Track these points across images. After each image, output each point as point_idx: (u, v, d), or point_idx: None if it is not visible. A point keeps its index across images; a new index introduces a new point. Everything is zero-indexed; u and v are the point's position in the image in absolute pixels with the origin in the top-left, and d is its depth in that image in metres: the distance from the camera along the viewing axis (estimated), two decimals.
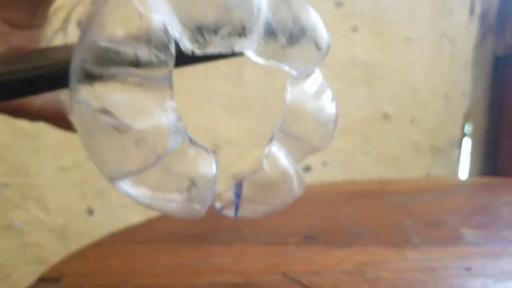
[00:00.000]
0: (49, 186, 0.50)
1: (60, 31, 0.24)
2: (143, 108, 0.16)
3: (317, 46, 0.20)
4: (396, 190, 0.53)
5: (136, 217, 0.54)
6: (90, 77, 0.15)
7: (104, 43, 0.15)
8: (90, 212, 0.54)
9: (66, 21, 0.24)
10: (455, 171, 0.91)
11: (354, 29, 0.69)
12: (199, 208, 0.18)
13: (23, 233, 0.50)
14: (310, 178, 0.68)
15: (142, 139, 0.16)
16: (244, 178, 0.19)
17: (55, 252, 0.49)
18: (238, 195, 0.20)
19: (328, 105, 0.22)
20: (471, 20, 0.94)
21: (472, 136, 0.95)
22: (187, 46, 0.17)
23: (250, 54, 0.18)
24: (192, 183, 0.18)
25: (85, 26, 0.16)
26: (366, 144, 0.74)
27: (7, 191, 0.49)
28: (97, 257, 0.37)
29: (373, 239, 0.37)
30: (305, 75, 0.21)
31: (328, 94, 0.22)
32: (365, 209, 0.46)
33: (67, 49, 0.20)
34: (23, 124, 0.49)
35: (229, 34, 0.17)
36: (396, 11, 0.74)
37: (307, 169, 0.68)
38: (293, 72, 0.20)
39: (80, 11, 0.23)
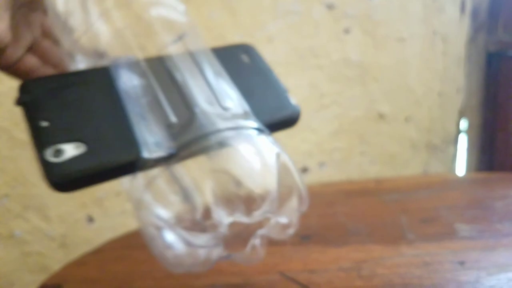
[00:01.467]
0: (49, 196, 0.51)
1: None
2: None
3: None
4: (392, 188, 0.53)
5: (135, 223, 0.54)
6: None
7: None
8: (90, 220, 0.54)
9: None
10: (451, 168, 0.92)
11: (346, 31, 0.70)
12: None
13: (24, 243, 0.50)
14: (308, 179, 0.68)
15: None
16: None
17: (56, 260, 0.50)
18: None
19: None
20: (463, 17, 0.95)
21: (468, 132, 0.96)
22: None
23: None
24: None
25: None
26: (362, 144, 0.75)
27: (7, 201, 0.49)
28: (97, 263, 0.37)
29: (369, 237, 0.37)
30: None
31: None
32: (361, 207, 0.46)
33: None
34: (22, 135, 0.49)
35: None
36: (388, 11, 0.75)
37: (304, 170, 0.69)
38: None
39: None
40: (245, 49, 0.31)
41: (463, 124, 0.95)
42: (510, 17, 0.94)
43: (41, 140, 0.22)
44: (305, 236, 0.38)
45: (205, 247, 0.25)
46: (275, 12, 0.59)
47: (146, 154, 0.23)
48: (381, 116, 0.77)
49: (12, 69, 0.27)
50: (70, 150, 0.22)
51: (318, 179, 0.70)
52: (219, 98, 0.26)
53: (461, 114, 0.93)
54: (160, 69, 0.26)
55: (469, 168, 0.98)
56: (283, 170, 0.26)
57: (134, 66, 0.25)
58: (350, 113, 0.71)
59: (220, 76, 0.28)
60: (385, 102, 0.77)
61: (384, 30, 0.72)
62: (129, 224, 0.55)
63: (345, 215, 0.44)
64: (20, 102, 0.23)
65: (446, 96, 0.87)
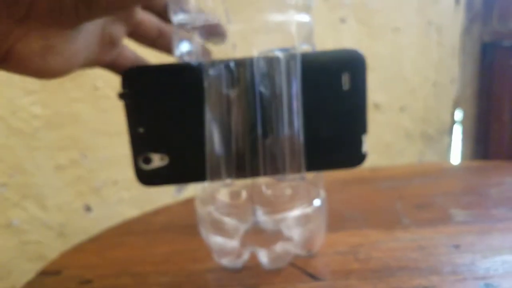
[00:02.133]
0: (47, 185, 0.51)
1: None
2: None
3: None
4: (387, 176, 0.54)
5: (133, 212, 0.55)
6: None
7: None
8: (88, 209, 0.54)
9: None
10: (446, 158, 0.93)
11: (342, 20, 0.70)
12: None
13: (22, 232, 0.50)
14: None
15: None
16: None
17: (54, 249, 0.50)
18: None
19: None
20: (457, 8, 0.95)
21: (462, 122, 0.97)
22: None
23: None
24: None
25: None
26: None
27: (5, 190, 0.49)
28: (96, 250, 0.37)
29: (365, 222, 0.38)
30: None
31: None
32: (357, 194, 0.47)
33: None
34: (19, 123, 0.49)
35: None
36: (383, 0, 0.75)
37: None
38: None
39: None
40: (351, 64, 0.25)
41: (458, 114, 0.96)
42: (504, 7, 0.95)
43: (136, 146, 0.25)
44: None
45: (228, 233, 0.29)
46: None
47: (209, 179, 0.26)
48: (376, 106, 0.77)
49: (111, 67, 0.28)
50: (156, 160, 0.25)
51: None
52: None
53: (456, 104, 0.94)
54: (249, 79, 0.25)
55: (464, 158, 0.99)
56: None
57: (228, 70, 0.25)
58: None
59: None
60: (380, 92, 0.77)
61: (379, 20, 0.72)
62: (126, 213, 0.55)
63: (341, 202, 0.44)
64: (121, 97, 0.25)
65: (440, 86, 0.87)
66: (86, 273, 0.33)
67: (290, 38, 0.25)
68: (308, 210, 0.29)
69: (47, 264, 0.35)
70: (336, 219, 0.39)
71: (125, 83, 0.24)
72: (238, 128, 0.25)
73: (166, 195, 0.57)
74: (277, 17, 0.25)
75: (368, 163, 0.77)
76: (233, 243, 0.29)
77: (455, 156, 0.95)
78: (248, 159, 0.25)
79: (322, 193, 0.31)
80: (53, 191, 0.51)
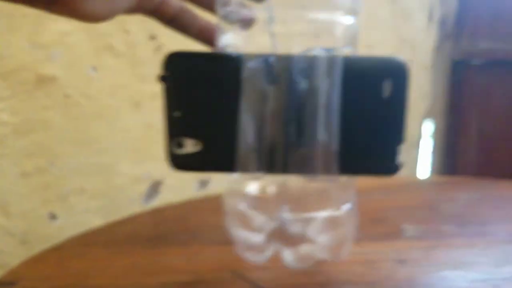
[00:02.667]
0: (10, 192, 0.50)
1: None
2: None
3: None
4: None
5: (99, 221, 0.55)
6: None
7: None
8: (53, 217, 0.54)
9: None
10: (414, 171, 0.95)
11: (316, 35, 0.72)
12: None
13: None
14: None
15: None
16: None
17: (17, 257, 0.50)
18: None
19: None
20: (430, 26, 0.98)
21: (433, 136, 1.00)
22: None
23: None
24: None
25: None
26: None
27: None
28: (56, 260, 0.38)
29: None
30: None
31: None
32: None
33: None
34: None
35: None
36: (357, 18, 0.77)
37: None
38: None
39: None
40: (393, 72, 0.25)
41: (428, 128, 0.98)
42: (475, 27, 0.98)
43: (171, 129, 0.26)
44: None
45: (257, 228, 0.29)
46: None
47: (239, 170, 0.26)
48: None
49: (154, 14, 0.27)
50: (189, 146, 0.26)
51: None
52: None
53: (425, 119, 0.96)
54: (290, 79, 0.25)
55: (434, 171, 1.02)
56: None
57: (267, 64, 0.24)
58: None
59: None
60: None
61: None
62: (92, 222, 0.55)
63: None
64: (161, 79, 0.25)
65: (411, 102, 0.90)
66: (41, 285, 0.33)
67: (333, 39, 0.26)
68: (336, 213, 0.28)
69: (4, 273, 0.35)
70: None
71: (167, 66, 0.25)
72: (273, 123, 0.25)
73: (134, 205, 0.57)
74: (323, 16, 0.25)
75: None
76: (258, 238, 0.30)
77: (425, 170, 0.98)
78: (279, 156, 0.25)
79: (353, 198, 0.30)
80: (17, 198, 0.51)
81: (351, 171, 0.27)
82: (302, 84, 0.25)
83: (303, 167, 0.26)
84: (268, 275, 0.32)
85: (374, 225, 0.41)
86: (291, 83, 0.24)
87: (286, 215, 0.29)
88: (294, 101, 0.25)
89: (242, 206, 0.29)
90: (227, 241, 0.39)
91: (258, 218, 0.29)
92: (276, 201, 0.29)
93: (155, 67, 0.27)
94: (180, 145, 0.26)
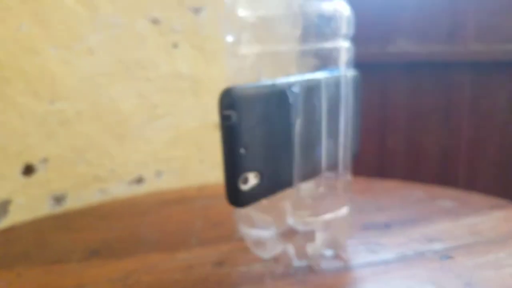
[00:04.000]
0: None
1: None
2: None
3: None
4: (211, 194, 0.57)
5: None
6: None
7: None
8: None
9: None
10: None
11: (175, 45, 0.73)
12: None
13: None
14: (144, 189, 0.69)
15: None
16: None
17: None
18: None
19: None
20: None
21: None
22: None
23: None
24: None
25: None
26: (201, 152, 0.79)
27: None
28: None
29: (155, 245, 0.40)
30: None
31: None
32: (169, 215, 0.49)
33: None
34: None
35: None
36: (214, 26, 0.79)
37: (139, 180, 0.70)
38: None
39: None
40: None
41: None
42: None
43: (237, 167, 0.25)
44: (94, 250, 0.39)
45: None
46: (95, 24, 0.59)
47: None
48: (217, 126, 0.81)
49: None
50: (252, 179, 0.26)
51: (156, 188, 0.72)
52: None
53: None
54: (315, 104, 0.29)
55: None
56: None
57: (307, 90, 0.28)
58: (186, 123, 0.75)
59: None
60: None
61: (212, 45, 0.76)
62: None
63: (149, 225, 0.46)
64: (225, 119, 0.25)
65: None
66: None
67: (338, 63, 0.31)
68: (339, 214, 0.33)
69: None
70: (129, 245, 0.41)
71: (229, 104, 0.24)
72: (311, 137, 0.29)
73: None
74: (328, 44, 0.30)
75: (213, 179, 0.79)
76: (266, 236, 0.34)
77: None
78: (311, 164, 0.30)
79: (349, 201, 0.34)
80: None
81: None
82: (330, 103, 0.30)
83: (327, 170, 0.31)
84: None
85: (213, 229, 0.43)
86: (319, 104, 0.29)
87: (292, 217, 0.32)
88: (323, 118, 0.30)
89: (252, 212, 0.33)
90: (54, 260, 0.38)
91: (267, 220, 0.33)
92: (284, 204, 0.32)
93: None
94: (245, 181, 0.26)
